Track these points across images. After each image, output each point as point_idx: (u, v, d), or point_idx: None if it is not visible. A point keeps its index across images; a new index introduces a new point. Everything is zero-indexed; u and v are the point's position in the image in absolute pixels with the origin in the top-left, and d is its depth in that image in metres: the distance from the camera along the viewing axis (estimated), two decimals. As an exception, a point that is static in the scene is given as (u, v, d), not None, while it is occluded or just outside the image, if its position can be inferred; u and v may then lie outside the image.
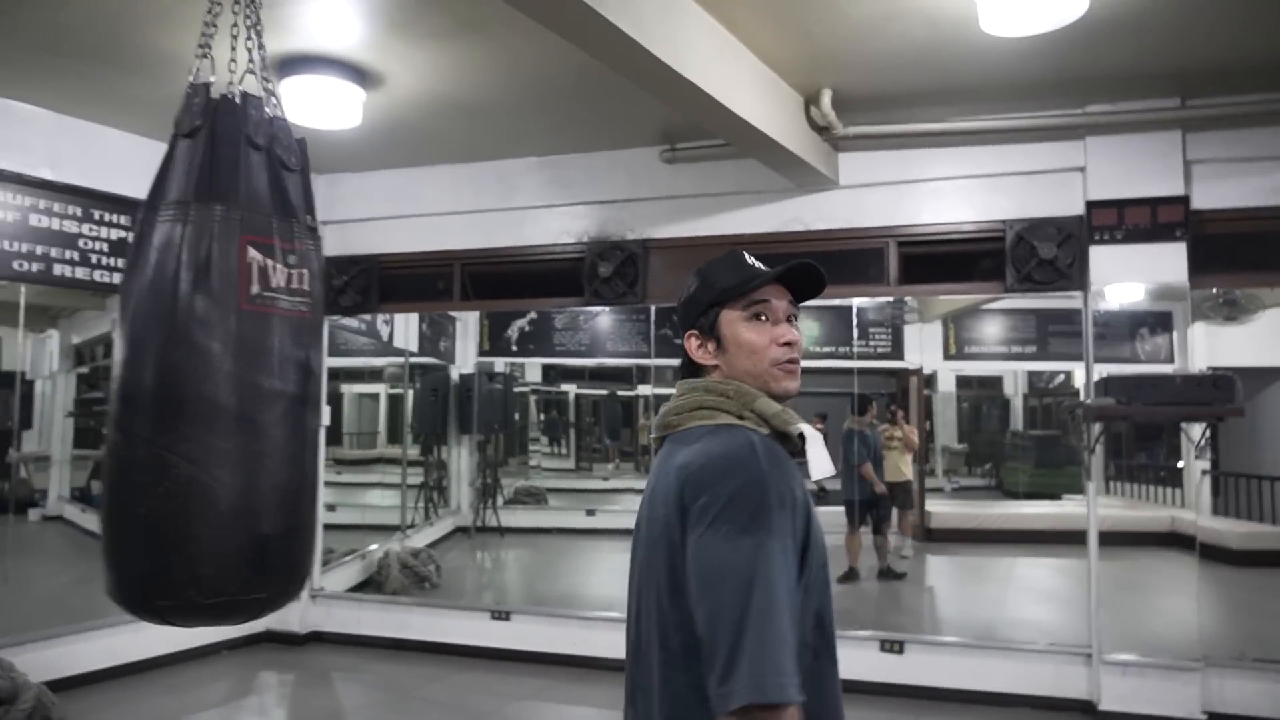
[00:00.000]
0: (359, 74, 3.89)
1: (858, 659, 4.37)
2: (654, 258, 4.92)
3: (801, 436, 1.23)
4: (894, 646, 4.41)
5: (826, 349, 9.95)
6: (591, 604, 6.06)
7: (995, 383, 11.59)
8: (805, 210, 4.64)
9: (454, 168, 5.29)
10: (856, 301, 8.69)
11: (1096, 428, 4.19)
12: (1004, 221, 4.35)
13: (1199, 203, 4.12)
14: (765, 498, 1.11)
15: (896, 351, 9.67)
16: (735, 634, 1.05)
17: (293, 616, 5.31)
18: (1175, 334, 9.23)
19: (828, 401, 12.78)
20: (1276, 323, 8.44)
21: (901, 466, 7.80)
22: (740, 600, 1.06)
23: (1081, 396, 4.41)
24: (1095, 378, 4.28)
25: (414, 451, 9.51)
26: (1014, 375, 11.14)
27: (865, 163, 4.54)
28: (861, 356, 9.72)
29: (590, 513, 10.08)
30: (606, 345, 10.50)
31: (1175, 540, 8.58)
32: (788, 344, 1.29)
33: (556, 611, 5.23)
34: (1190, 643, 4.03)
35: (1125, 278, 4.16)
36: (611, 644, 4.82)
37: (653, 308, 5.31)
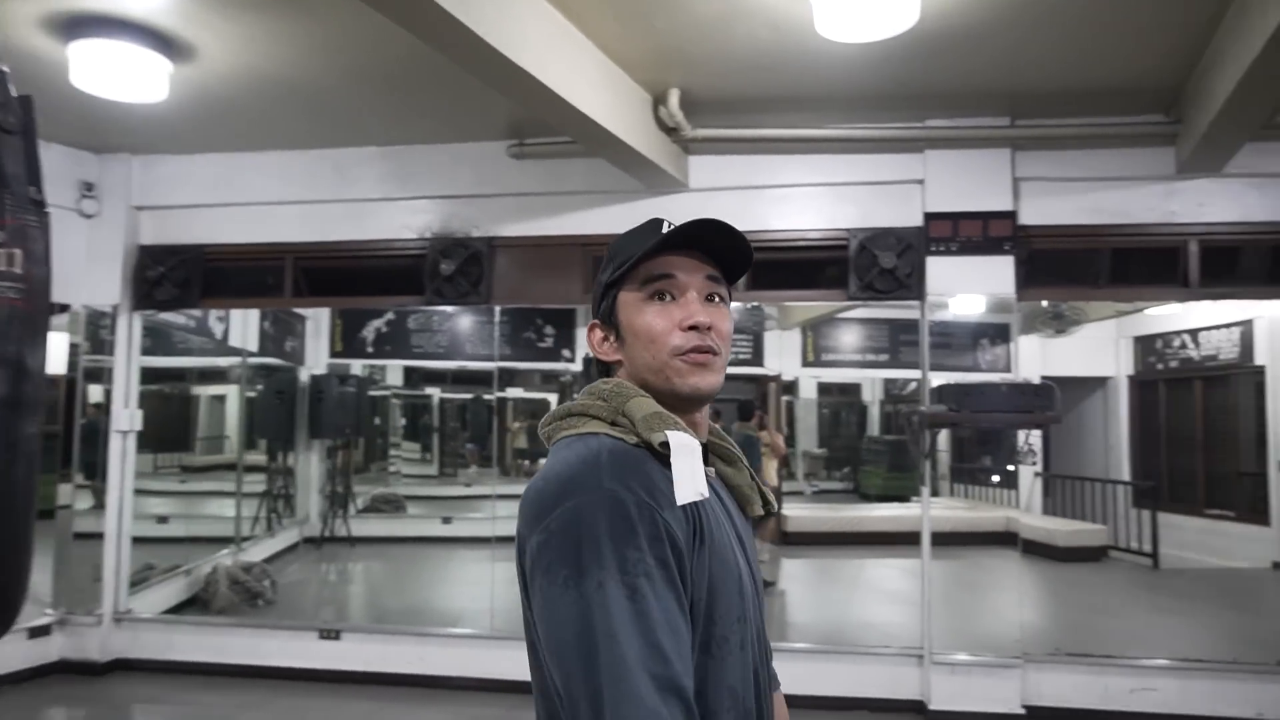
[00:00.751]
0: (163, 42, 3.51)
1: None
2: (500, 256, 4.72)
3: (665, 446, 0.94)
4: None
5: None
6: (435, 619, 5.79)
7: (854, 389, 11.97)
8: (655, 213, 4.51)
9: (286, 154, 4.92)
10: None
11: (934, 434, 4.29)
12: (848, 230, 4.40)
13: (1026, 218, 4.29)
14: (601, 524, 0.85)
15: (757, 358, 9.82)
16: (590, 714, 0.81)
17: (91, 643, 4.78)
18: (1010, 345, 9.72)
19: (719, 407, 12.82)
20: (1097, 336, 9.08)
21: (768, 473, 7.88)
22: (585, 669, 0.82)
23: (921, 404, 4.51)
24: (931, 386, 4.38)
25: (259, 458, 8.92)
26: (870, 382, 11.54)
27: (715, 167, 4.50)
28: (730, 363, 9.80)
29: (447, 520, 9.73)
30: (465, 348, 10.20)
31: (1011, 539, 9.09)
32: (693, 328, 1.01)
33: (391, 629, 4.94)
34: (1012, 640, 4.18)
35: (959, 288, 4.28)
36: (451, 661, 4.58)
37: (497, 308, 5.09)
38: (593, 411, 1.00)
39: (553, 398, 11.32)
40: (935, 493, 12.53)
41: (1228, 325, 7.95)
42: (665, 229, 1.05)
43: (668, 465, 0.93)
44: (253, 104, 4.23)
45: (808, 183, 4.44)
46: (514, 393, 12.14)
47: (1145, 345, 8.61)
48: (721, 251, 1.07)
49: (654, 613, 0.83)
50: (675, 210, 4.51)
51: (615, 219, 4.59)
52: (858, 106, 4.16)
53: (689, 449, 0.94)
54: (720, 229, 1.04)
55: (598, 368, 1.11)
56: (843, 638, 5.54)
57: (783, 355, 9.90)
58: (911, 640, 4.40)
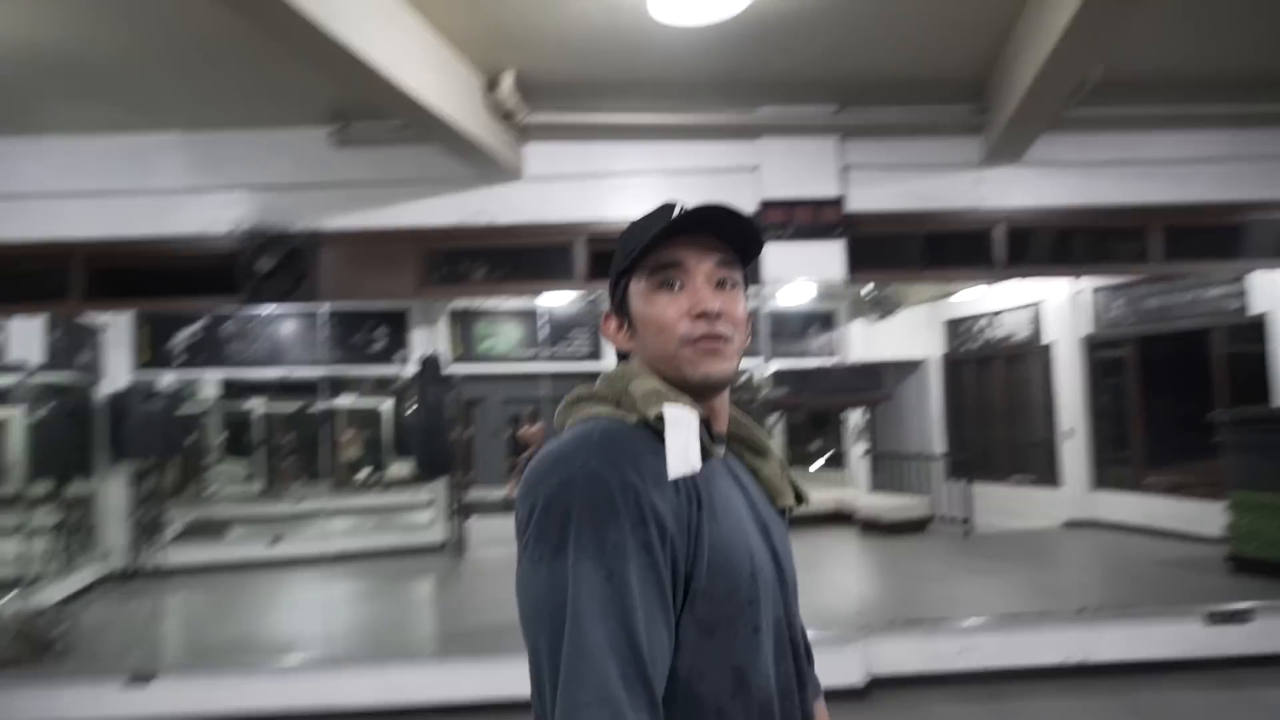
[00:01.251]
0: (-97, 2, 3.00)
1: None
2: (326, 251, 4.40)
3: (660, 419, 0.94)
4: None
5: (528, 351, 9.84)
6: (265, 650, 5.34)
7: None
8: (491, 202, 4.39)
9: (70, 139, 4.36)
10: (547, 301, 8.64)
11: (773, 417, 4.38)
12: (687, 218, 4.41)
13: (853, 205, 4.47)
14: (583, 504, 0.85)
15: (596, 353, 9.79)
16: (551, 696, 0.82)
17: None
18: (837, 330, 10.18)
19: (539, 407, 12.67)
20: (915, 320, 9.71)
21: None
22: (550, 646, 0.83)
23: (763, 389, 4.60)
24: (770, 371, 4.47)
25: (50, 487, 7.94)
26: (759, 370, 11.77)
27: (552, 154, 4.40)
28: (558, 358, 9.72)
29: (275, 540, 9.06)
30: (290, 353, 9.56)
31: (843, 518, 9.54)
32: (702, 315, 1.00)
33: (212, 666, 4.49)
34: (853, 614, 4.34)
35: (794, 274, 4.40)
36: (284, 694, 4.22)
37: (323, 308, 4.75)
38: (599, 394, 1.02)
39: (388, 404, 10.82)
40: (773, 478, 12.97)
41: (1021, 307, 8.71)
42: (676, 213, 1.03)
43: (707, 440, 0.96)
44: (22, 79, 3.71)
45: (645, 170, 4.43)
46: (344, 401, 11.53)
47: (954, 328, 9.28)
48: (733, 233, 1.04)
49: (631, 598, 0.83)
50: (510, 200, 4.38)
51: (449, 209, 4.39)
52: (694, 93, 4.19)
53: (684, 422, 0.94)
54: (727, 213, 1.01)
55: (618, 357, 1.10)
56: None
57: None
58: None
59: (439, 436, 7.83)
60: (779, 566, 1.03)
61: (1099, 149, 4.55)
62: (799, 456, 11.80)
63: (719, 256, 1.03)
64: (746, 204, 4.41)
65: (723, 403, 1.07)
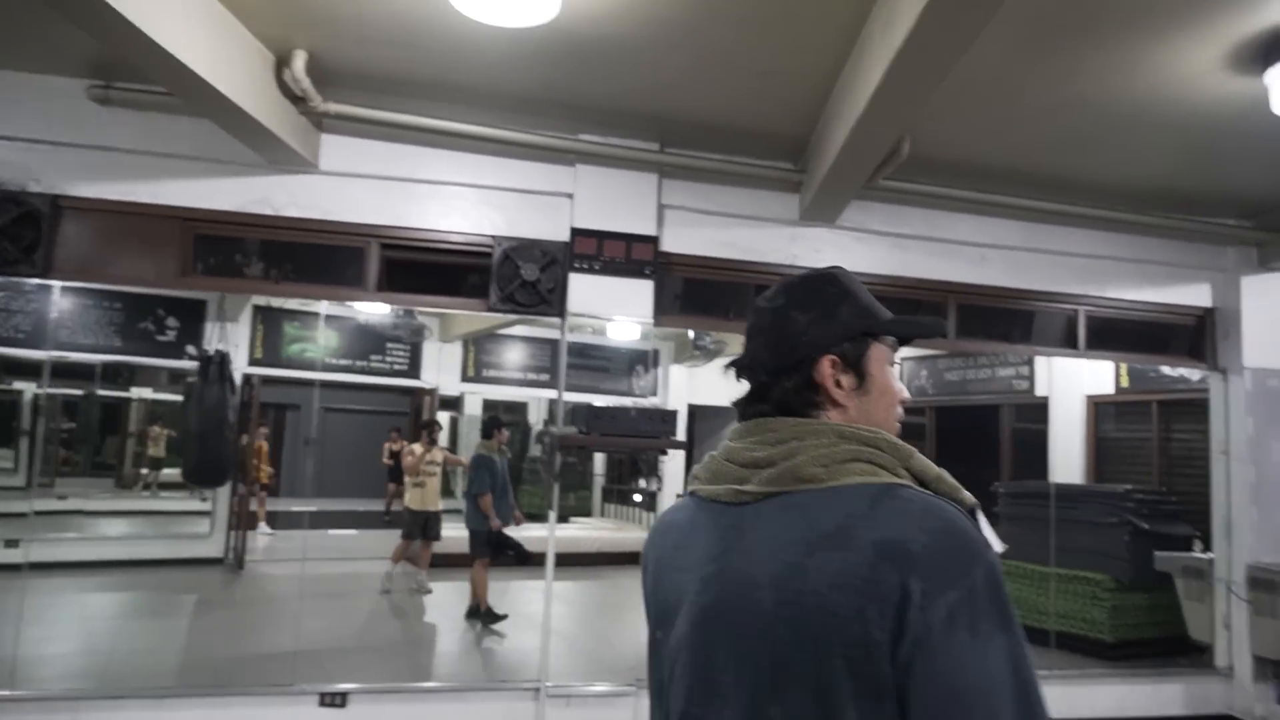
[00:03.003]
0: None
1: (293, 715, 3.78)
2: (69, 221, 3.82)
3: (976, 507, 1.00)
4: (336, 699, 3.87)
5: (343, 361, 9.23)
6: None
7: (521, 408, 11.88)
8: (276, 192, 3.97)
9: None
10: (364, 310, 8.10)
11: (565, 455, 4.16)
12: (494, 237, 4.16)
13: (668, 245, 4.36)
14: (1000, 584, 0.91)
15: (414, 370, 9.31)
16: None
17: None
18: (658, 371, 10.12)
19: (358, 419, 11.97)
20: (737, 368, 9.84)
21: (430, 496, 7.37)
22: (1020, 712, 0.86)
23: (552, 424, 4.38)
24: (566, 407, 4.26)
25: None
26: (536, 402, 11.51)
27: (353, 150, 4.03)
28: (377, 372, 9.18)
29: (11, 544, 7.94)
30: (63, 334, 8.52)
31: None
32: (903, 403, 1.13)
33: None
34: (628, 666, 4.15)
35: (600, 308, 4.22)
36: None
37: (57, 285, 4.15)
38: (880, 461, 0.99)
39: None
40: (588, 513, 12.74)
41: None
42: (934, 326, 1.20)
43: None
44: None
45: (454, 181, 4.14)
46: (142, 392, 10.45)
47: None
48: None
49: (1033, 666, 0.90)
50: (300, 193, 3.98)
51: (226, 193, 3.92)
52: (510, 108, 3.95)
53: (978, 510, 1.00)
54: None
55: (779, 403, 1.06)
56: (469, 672, 5.25)
57: (441, 369, 9.50)
58: (533, 671, 4.21)
59: (213, 441, 7.10)
60: None
61: (907, 222, 4.67)
62: (617, 494, 11.70)
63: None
64: (557, 231, 4.21)
65: None
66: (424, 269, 4.24)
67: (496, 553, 6.50)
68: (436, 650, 6.21)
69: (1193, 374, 6.25)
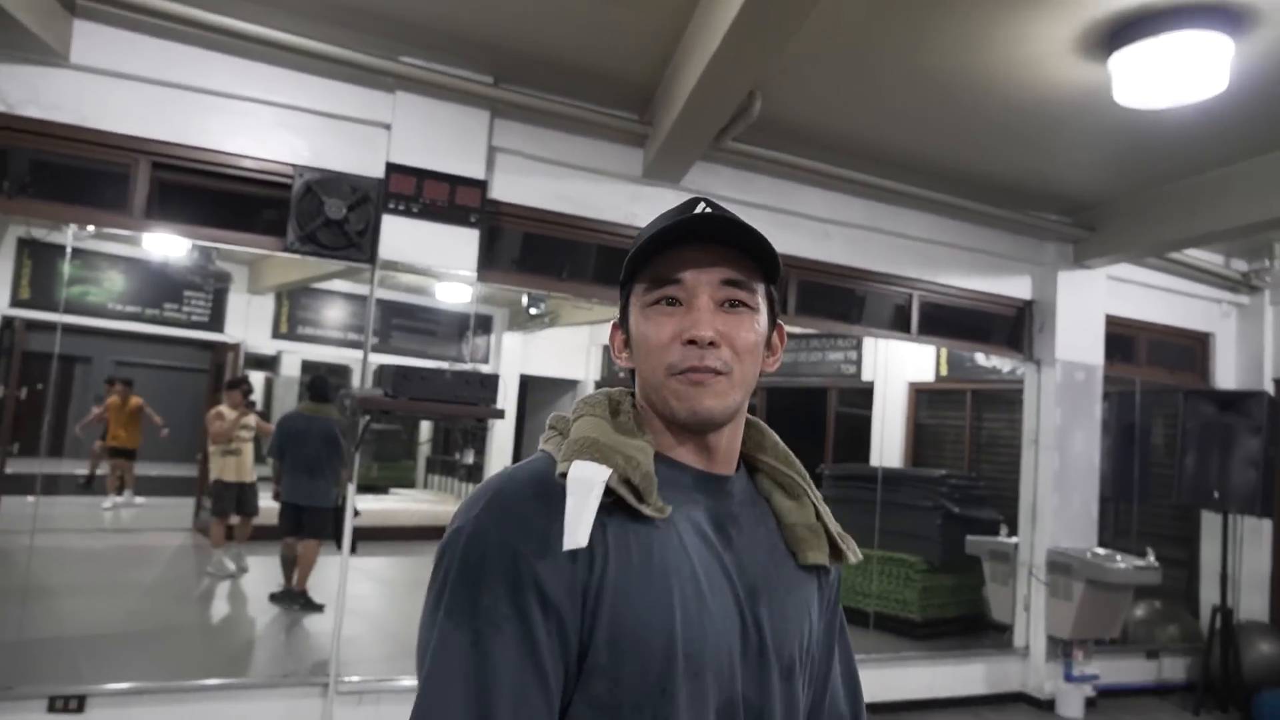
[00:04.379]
0: None
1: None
2: None
3: (564, 477, 0.83)
4: (71, 704, 3.23)
5: (131, 308, 8.17)
6: None
7: (344, 371, 11.06)
8: (10, 85, 3.22)
9: None
10: (157, 248, 7.14)
11: (368, 420, 3.67)
12: (294, 166, 3.59)
13: (497, 192, 3.94)
14: (463, 560, 0.79)
15: (216, 322, 8.37)
16: None
17: None
18: (493, 337, 9.65)
19: (152, 375, 10.75)
20: (574, 341, 9.53)
21: (244, 466, 6.52)
22: (416, 699, 0.78)
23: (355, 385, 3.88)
24: (374, 367, 3.77)
25: None
26: (360, 365, 10.73)
27: (117, 43, 3.33)
28: (171, 323, 8.18)
29: None
30: None
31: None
32: (693, 341, 0.86)
33: None
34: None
35: (417, 256, 3.74)
36: None
37: None
38: (556, 425, 0.94)
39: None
40: (413, 485, 12.04)
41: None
42: (697, 211, 0.89)
43: (627, 494, 0.84)
44: None
45: (248, 96, 3.52)
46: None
47: (608, 352, 9.23)
48: (751, 247, 0.89)
49: (491, 667, 0.77)
50: (44, 90, 3.26)
51: (-60, 80, 3.14)
52: (320, 14, 3.38)
53: (585, 486, 0.82)
54: (742, 225, 0.88)
55: (628, 377, 0.97)
56: (264, 665, 4.69)
57: (249, 323, 8.60)
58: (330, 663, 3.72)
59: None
60: (760, 641, 0.89)
61: (754, 190, 4.47)
62: (442, 466, 11.14)
63: (727, 274, 0.89)
64: (370, 166, 3.69)
65: (726, 439, 0.93)
66: (207, 197, 3.61)
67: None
68: (235, 639, 5.52)
69: (1004, 365, 6.51)
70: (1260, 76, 3.28)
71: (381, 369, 3.54)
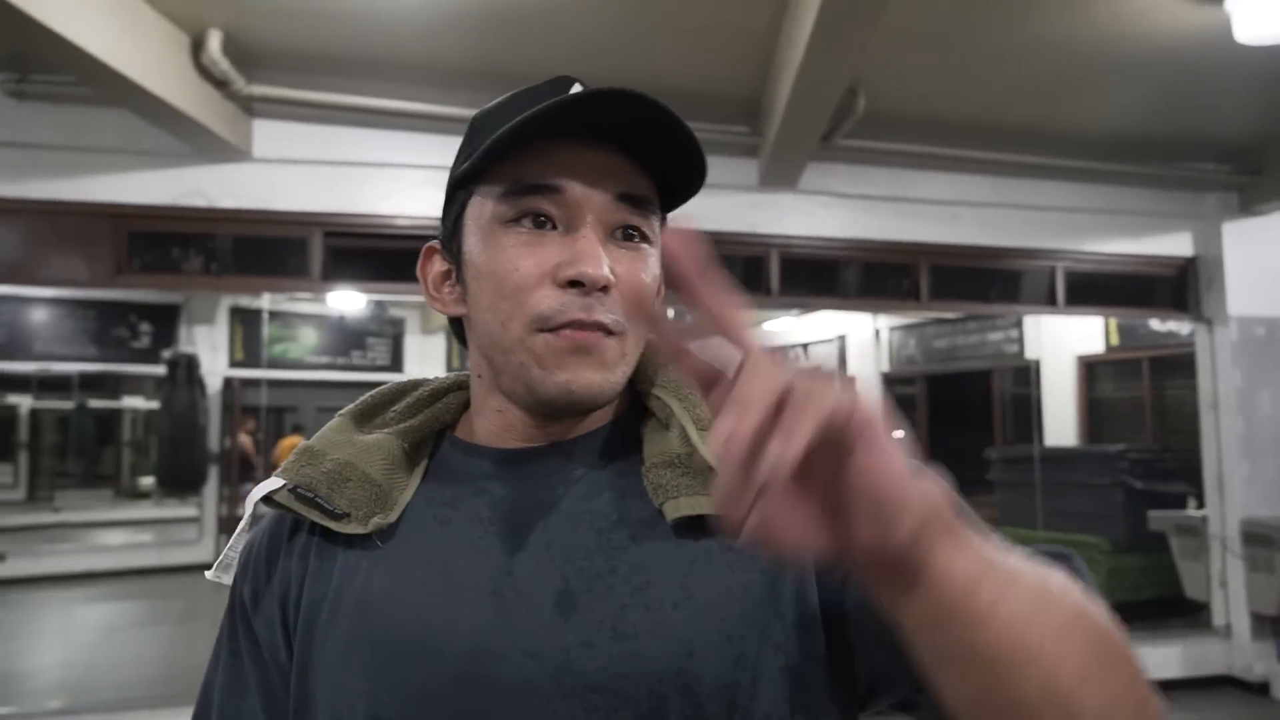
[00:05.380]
0: None
1: None
2: (-6, 224, 3.69)
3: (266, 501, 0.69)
4: None
5: (324, 359, 9.12)
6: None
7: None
8: (210, 183, 3.82)
9: None
10: (341, 304, 7.97)
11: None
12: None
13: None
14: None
15: (396, 364, 9.22)
16: None
17: None
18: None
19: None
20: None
21: None
22: None
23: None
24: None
25: None
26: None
27: (289, 135, 3.88)
28: (358, 368, 9.06)
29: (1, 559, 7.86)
30: (41, 345, 8.45)
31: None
32: (576, 283, 0.60)
33: None
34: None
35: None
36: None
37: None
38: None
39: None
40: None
41: (828, 340, 8.85)
42: (571, 91, 0.64)
43: (303, 509, 0.66)
44: None
45: (395, 163, 3.98)
46: (135, 402, 10.38)
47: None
48: (659, 148, 0.63)
49: (210, 682, 0.70)
50: (235, 183, 3.84)
51: (157, 187, 3.78)
52: (444, 82, 3.79)
53: (247, 517, 0.70)
54: (652, 108, 0.60)
55: (452, 328, 0.74)
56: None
57: (425, 360, 9.38)
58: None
59: (185, 446, 7.00)
60: (577, 674, 0.57)
61: (872, 183, 4.50)
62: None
63: (623, 188, 0.63)
64: (505, 208, 4.06)
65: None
66: (371, 256, 4.10)
67: None
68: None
69: (1182, 328, 6.08)
70: None
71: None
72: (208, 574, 0.73)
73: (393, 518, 0.65)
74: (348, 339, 8.97)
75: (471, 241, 0.66)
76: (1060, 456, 6.27)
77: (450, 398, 0.75)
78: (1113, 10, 3.22)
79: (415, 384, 0.77)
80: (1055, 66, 3.67)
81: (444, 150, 3.51)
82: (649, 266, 0.64)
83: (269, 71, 3.61)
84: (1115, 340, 6.97)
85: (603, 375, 0.62)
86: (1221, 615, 4.91)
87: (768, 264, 4.46)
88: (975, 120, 4.22)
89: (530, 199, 0.62)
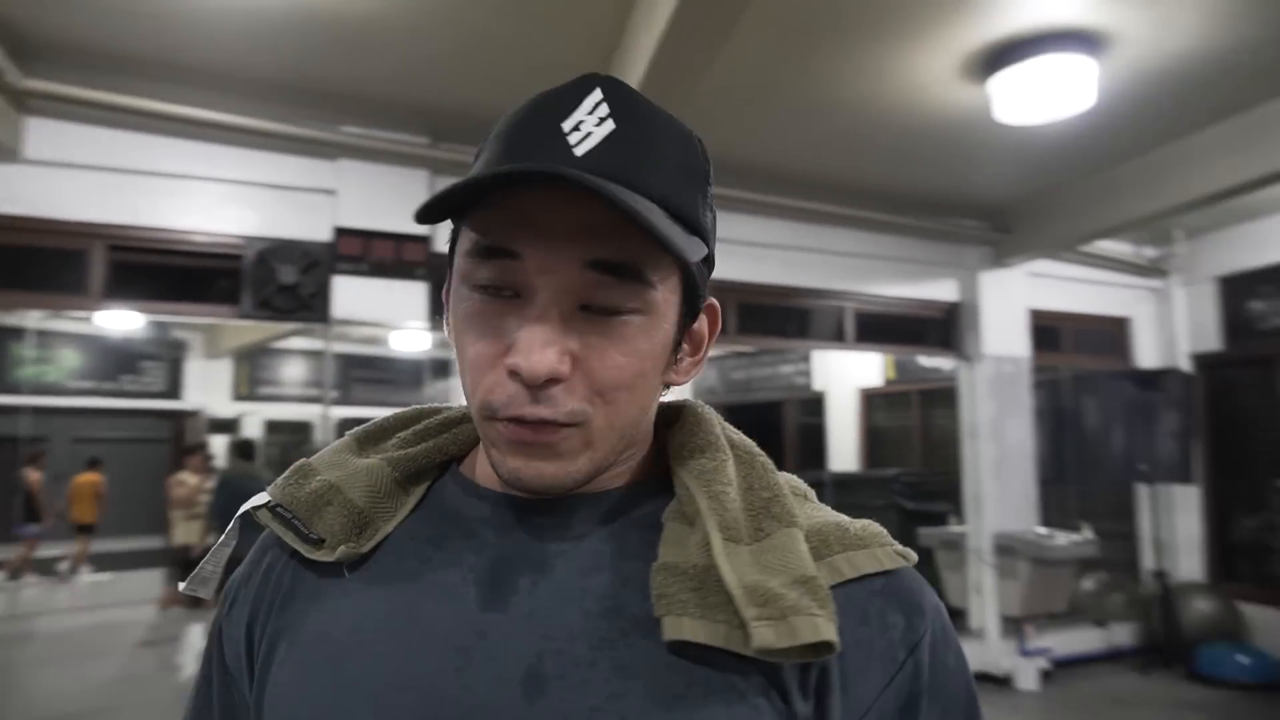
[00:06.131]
0: None
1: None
2: None
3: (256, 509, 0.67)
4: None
5: (87, 384, 8.20)
6: None
7: (304, 428, 11.09)
8: (-34, 183, 3.38)
9: None
10: (108, 323, 7.23)
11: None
12: (244, 237, 3.78)
13: (442, 245, 4.14)
14: None
15: (173, 391, 8.43)
16: None
17: None
18: (454, 380, 9.77)
19: (112, 449, 10.65)
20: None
21: (188, 529, 6.56)
22: None
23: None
24: (337, 419, 3.95)
25: None
26: (322, 420, 10.78)
27: (68, 136, 3.50)
28: (130, 395, 8.22)
29: None
30: None
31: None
32: (513, 372, 0.54)
33: None
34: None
35: (370, 314, 3.94)
36: None
37: None
38: None
39: None
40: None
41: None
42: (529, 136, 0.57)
43: (279, 530, 0.65)
44: None
45: (195, 175, 3.71)
46: None
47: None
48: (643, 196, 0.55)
49: (197, 680, 0.69)
50: (7, 186, 3.42)
51: (-101, 184, 3.29)
52: (260, 94, 3.60)
53: (232, 530, 0.69)
54: (625, 155, 0.55)
55: None
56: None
57: (208, 388, 8.66)
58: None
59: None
60: None
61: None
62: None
63: (600, 252, 0.54)
64: (318, 230, 3.89)
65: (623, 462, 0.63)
66: (164, 273, 3.77)
67: None
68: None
69: (946, 364, 6.84)
70: (1124, 90, 3.63)
71: (348, 421, 3.72)
72: (181, 586, 0.69)
73: (364, 548, 0.62)
74: (118, 362, 8.10)
75: (453, 286, 0.61)
76: (844, 481, 6.82)
77: (461, 429, 0.70)
78: (897, 82, 3.63)
79: (432, 410, 0.73)
80: (850, 125, 4.06)
81: (253, 165, 3.40)
82: (633, 339, 0.56)
83: (50, 65, 3.26)
84: (892, 374, 7.72)
85: (558, 467, 0.57)
86: (977, 619, 5.53)
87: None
88: (780, 168, 4.58)
89: (488, 265, 0.55)
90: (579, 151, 0.54)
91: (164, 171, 3.66)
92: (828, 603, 0.53)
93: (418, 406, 0.74)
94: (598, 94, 0.56)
